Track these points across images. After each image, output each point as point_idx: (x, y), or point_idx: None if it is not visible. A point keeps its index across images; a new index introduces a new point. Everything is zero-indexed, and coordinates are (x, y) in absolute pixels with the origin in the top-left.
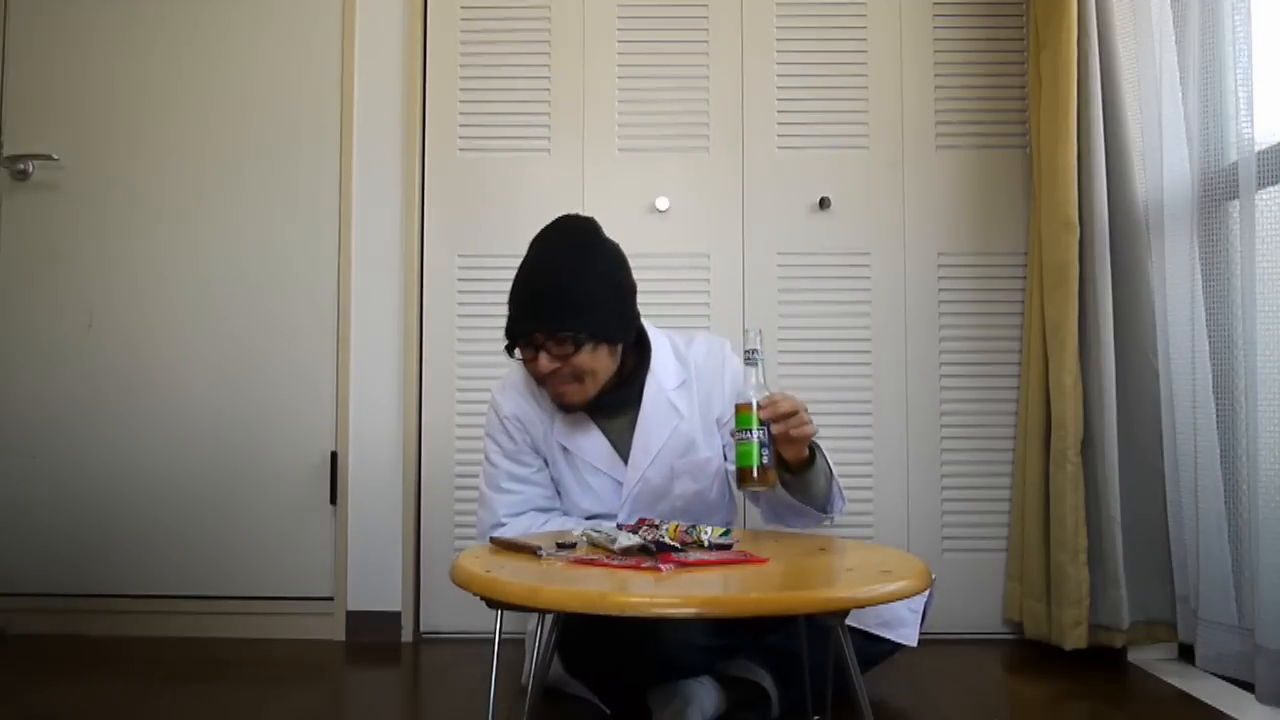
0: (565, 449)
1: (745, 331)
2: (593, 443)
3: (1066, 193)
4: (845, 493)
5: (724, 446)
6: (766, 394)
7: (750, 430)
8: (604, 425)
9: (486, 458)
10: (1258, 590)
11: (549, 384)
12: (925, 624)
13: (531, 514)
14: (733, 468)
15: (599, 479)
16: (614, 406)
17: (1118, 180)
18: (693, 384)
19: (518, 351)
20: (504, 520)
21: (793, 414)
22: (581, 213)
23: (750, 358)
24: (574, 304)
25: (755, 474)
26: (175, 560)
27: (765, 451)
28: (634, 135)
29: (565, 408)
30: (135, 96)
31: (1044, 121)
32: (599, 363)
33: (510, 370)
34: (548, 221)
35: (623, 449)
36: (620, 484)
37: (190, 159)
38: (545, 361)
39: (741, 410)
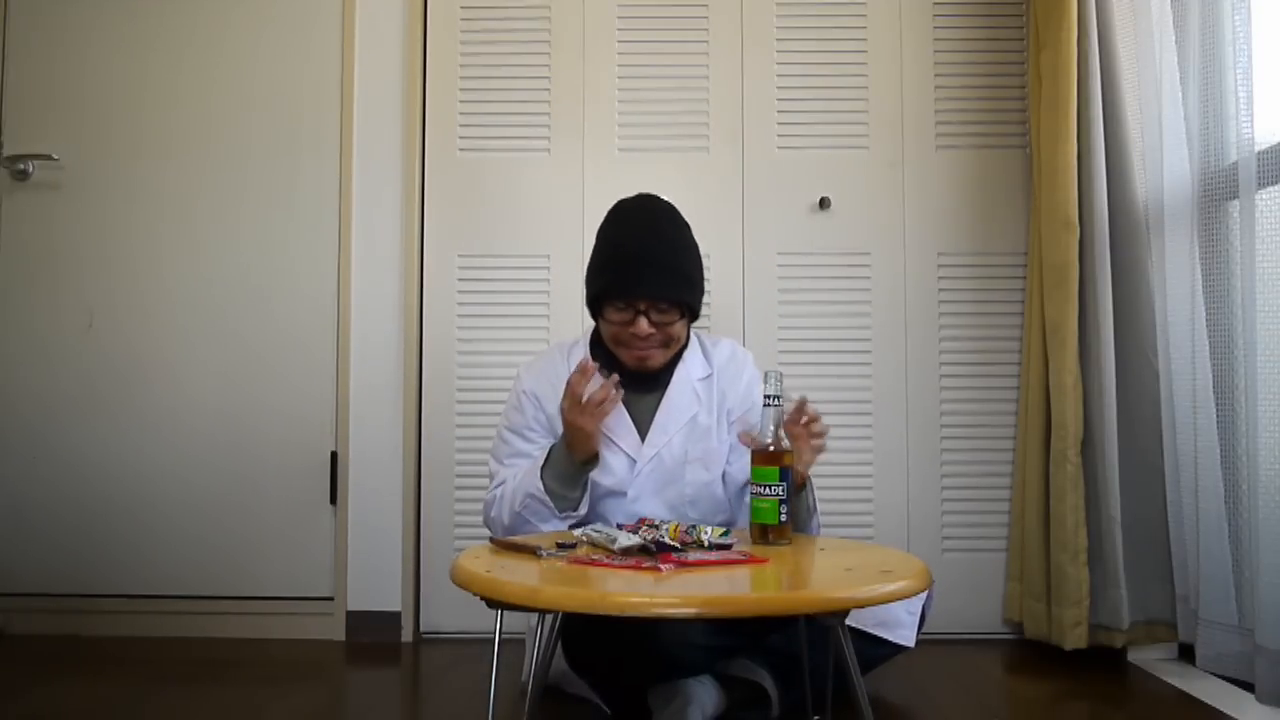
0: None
1: (765, 376)
2: (616, 415)
3: (1066, 193)
4: (845, 497)
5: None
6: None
7: (769, 485)
8: (630, 401)
9: (497, 433)
10: (1258, 590)
11: (637, 346)
12: (925, 625)
13: None
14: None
15: (615, 455)
16: (645, 383)
17: (1118, 180)
18: (714, 380)
19: (609, 312)
20: (496, 494)
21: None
22: (583, 212)
23: (770, 403)
24: (685, 277)
25: (772, 532)
26: (175, 560)
27: (784, 508)
28: (634, 135)
29: (637, 373)
30: (135, 96)
31: (1044, 121)
32: (683, 333)
33: (545, 350)
34: (547, 220)
35: (643, 428)
36: (635, 461)
37: (191, 159)
38: (645, 326)
39: (760, 461)
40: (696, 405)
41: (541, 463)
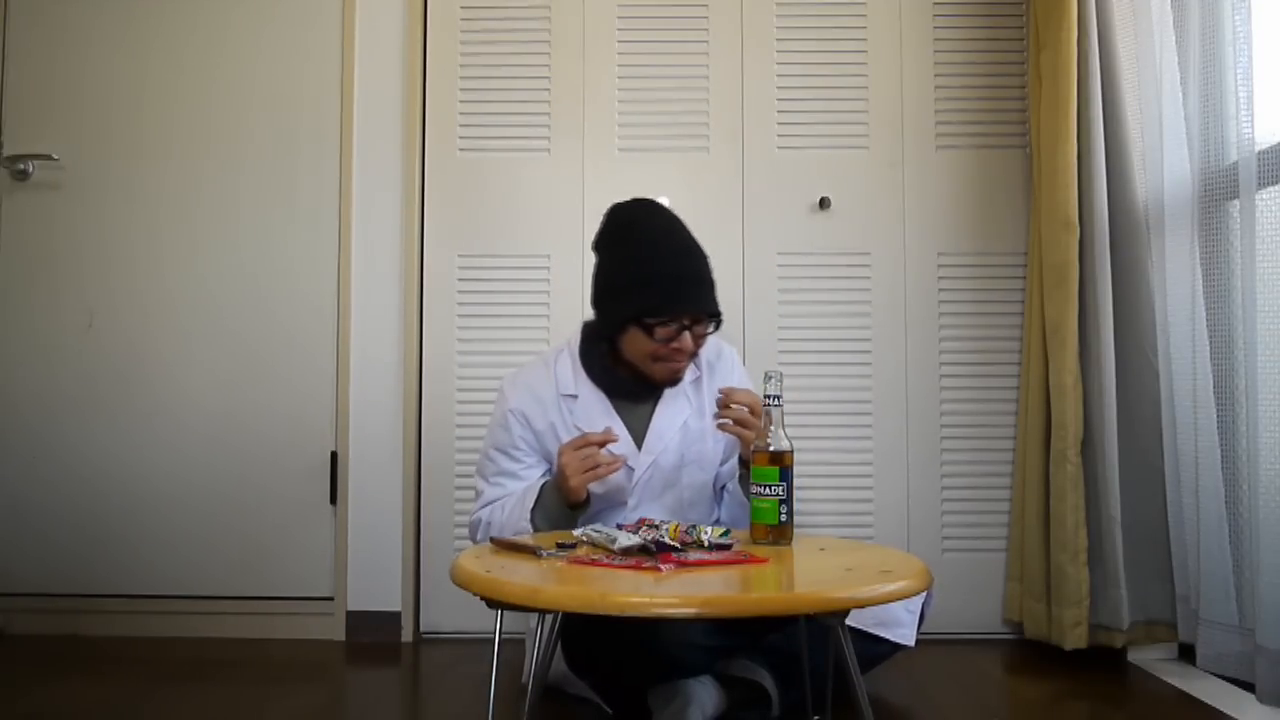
0: (582, 432)
1: (766, 376)
2: (610, 423)
3: (1066, 193)
4: (846, 497)
5: (725, 445)
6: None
7: (769, 485)
8: (623, 411)
9: (484, 450)
10: (1258, 590)
11: (673, 360)
12: (925, 625)
13: None
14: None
15: None
16: (638, 393)
17: (1118, 180)
18: (704, 382)
19: (656, 330)
20: (481, 515)
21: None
22: (583, 212)
23: (770, 403)
24: (714, 285)
25: (772, 532)
26: (175, 560)
27: (784, 508)
28: (634, 135)
29: (665, 384)
30: (135, 96)
31: (1044, 121)
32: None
33: (527, 363)
34: (547, 220)
35: (638, 436)
36: (633, 470)
37: (190, 159)
38: (689, 341)
39: (760, 461)
40: (688, 409)
41: (532, 502)
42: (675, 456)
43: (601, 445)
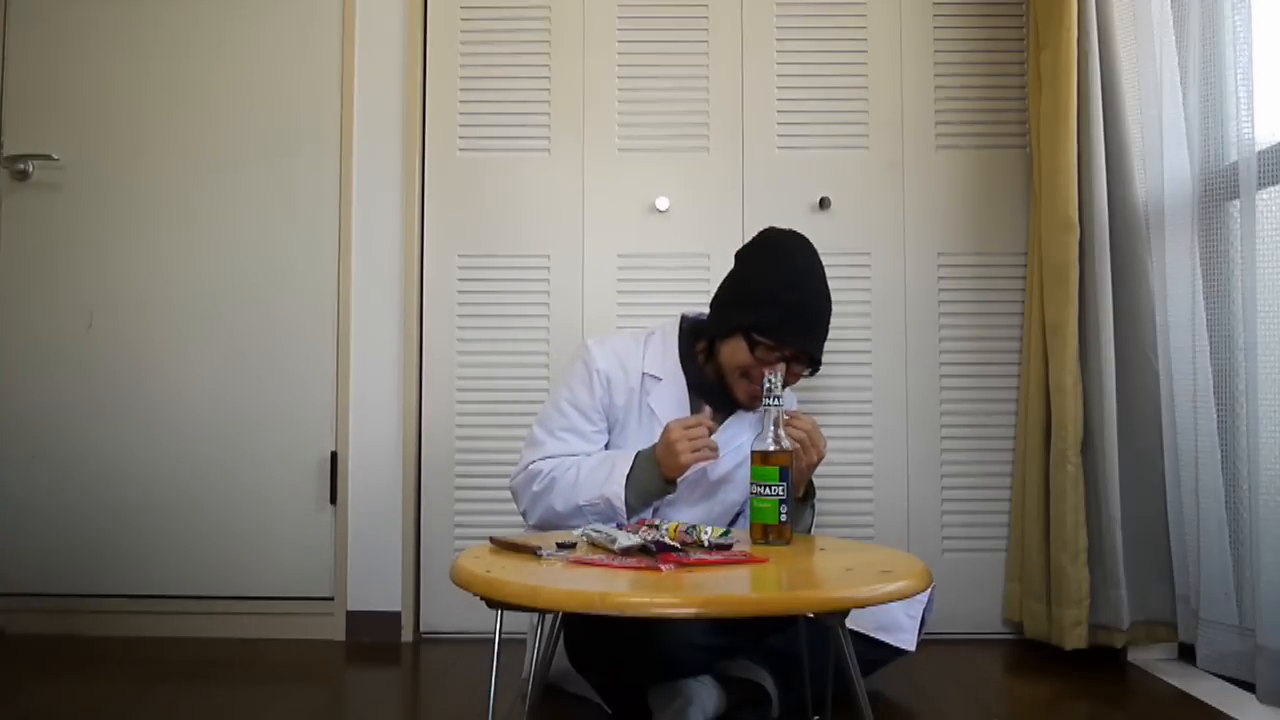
0: (654, 414)
1: (766, 375)
2: (681, 415)
3: (1066, 193)
4: (846, 497)
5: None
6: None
7: (769, 485)
8: (695, 411)
9: (553, 402)
10: (1258, 590)
11: (759, 385)
12: (925, 628)
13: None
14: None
15: None
16: (715, 400)
17: (1118, 180)
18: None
19: (760, 349)
20: (543, 466)
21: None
22: (583, 212)
23: (770, 403)
24: (826, 336)
25: (771, 532)
26: (175, 560)
27: (784, 508)
28: (634, 135)
29: (741, 404)
30: (135, 96)
31: (1044, 121)
32: None
33: (613, 333)
34: (547, 220)
35: None
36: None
37: (190, 159)
38: (783, 372)
39: (760, 461)
40: (749, 433)
41: (626, 469)
42: (724, 470)
43: (710, 430)
